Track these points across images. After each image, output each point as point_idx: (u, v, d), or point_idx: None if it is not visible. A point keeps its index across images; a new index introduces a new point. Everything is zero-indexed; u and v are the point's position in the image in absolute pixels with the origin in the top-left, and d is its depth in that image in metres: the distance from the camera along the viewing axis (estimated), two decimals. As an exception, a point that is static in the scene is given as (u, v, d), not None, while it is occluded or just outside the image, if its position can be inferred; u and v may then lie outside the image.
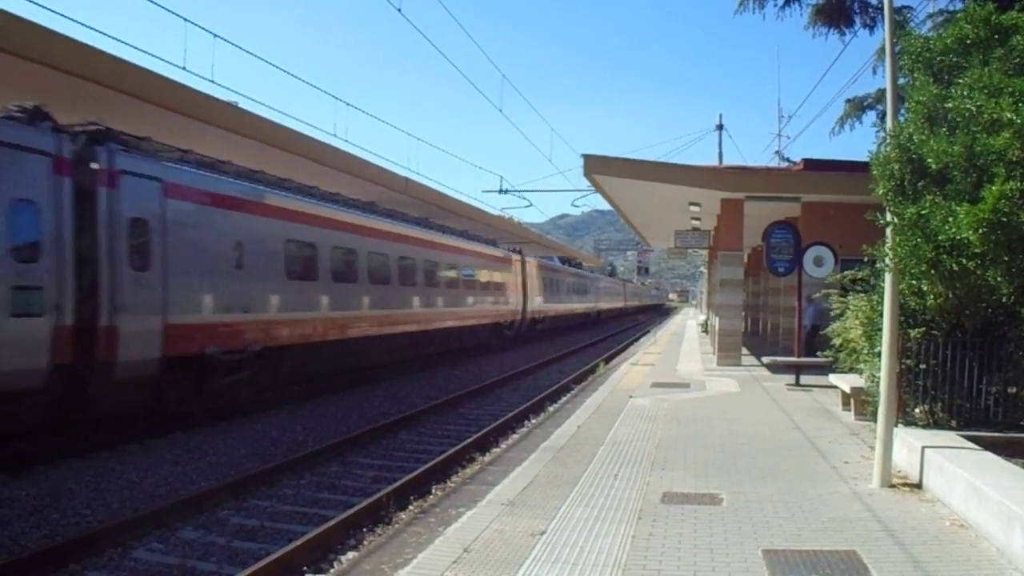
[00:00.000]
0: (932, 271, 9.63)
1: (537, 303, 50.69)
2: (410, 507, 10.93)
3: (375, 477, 13.24)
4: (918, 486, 9.31)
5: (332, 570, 8.51)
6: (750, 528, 7.74)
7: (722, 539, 7.38)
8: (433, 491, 11.82)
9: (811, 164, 24.41)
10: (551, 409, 18.88)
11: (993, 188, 8.83)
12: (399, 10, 21.88)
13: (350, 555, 8.98)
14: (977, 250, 9.09)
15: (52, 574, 8.79)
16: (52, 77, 18.95)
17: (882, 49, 11.14)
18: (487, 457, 13.66)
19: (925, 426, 10.51)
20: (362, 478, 13.26)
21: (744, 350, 27.00)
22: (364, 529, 10.19)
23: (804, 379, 19.75)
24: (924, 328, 10.63)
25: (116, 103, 21.00)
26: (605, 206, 40.67)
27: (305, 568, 8.80)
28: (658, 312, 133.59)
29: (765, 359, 22.96)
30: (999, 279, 9.44)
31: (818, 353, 17.15)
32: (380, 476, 13.26)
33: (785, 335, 26.79)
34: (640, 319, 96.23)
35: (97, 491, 11.92)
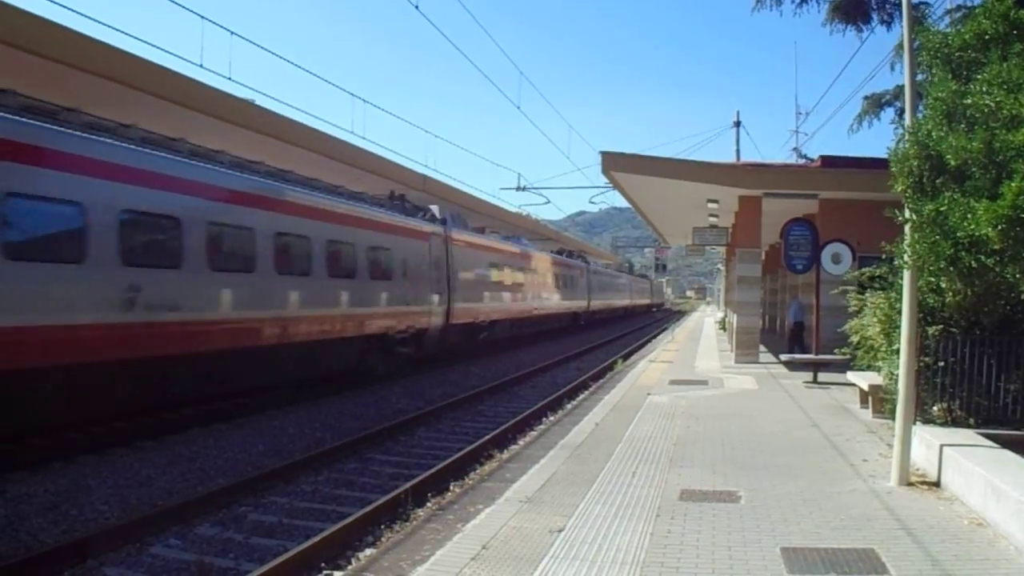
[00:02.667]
0: (951, 268, 9.60)
1: (472, 302, 33.71)
2: (428, 504, 10.91)
3: (393, 474, 13.22)
4: (936, 484, 9.31)
5: (350, 567, 8.49)
6: (768, 526, 7.76)
7: (740, 537, 7.40)
8: (451, 488, 11.80)
9: (829, 161, 24.39)
10: (569, 406, 18.86)
11: (1012, 184, 8.80)
12: (416, 7, 21.91)
13: (368, 552, 8.97)
14: (996, 247, 9.07)
15: (70, 569, 8.81)
16: (69, 76, 19.11)
17: (900, 45, 11.14)
18: (505, 454, 13.64)
19: (943, 424, 10.50)
20: (380, 475, 13.25)
21: (762, 347, 26.97)
22: (382, 526, 10.17)
23: (822, 376, 19.73)
24: (942, 325, 10.63)
25: (135, 101, 21.15)
26: (623, 203, 40.49)
27: (323, 564, 8.80)
28: (646, 316, 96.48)
29: (783, 356, 22.97)
30: (1018, 276, 9.41)
31: (835, 351, 17.07)
32: (398, 473, 13.24)
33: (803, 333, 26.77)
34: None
35: (115, 487, 11.92)
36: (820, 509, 8.36)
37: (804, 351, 25.24)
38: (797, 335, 26.69)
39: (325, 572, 8.60)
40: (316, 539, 9.26)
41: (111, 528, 9.86)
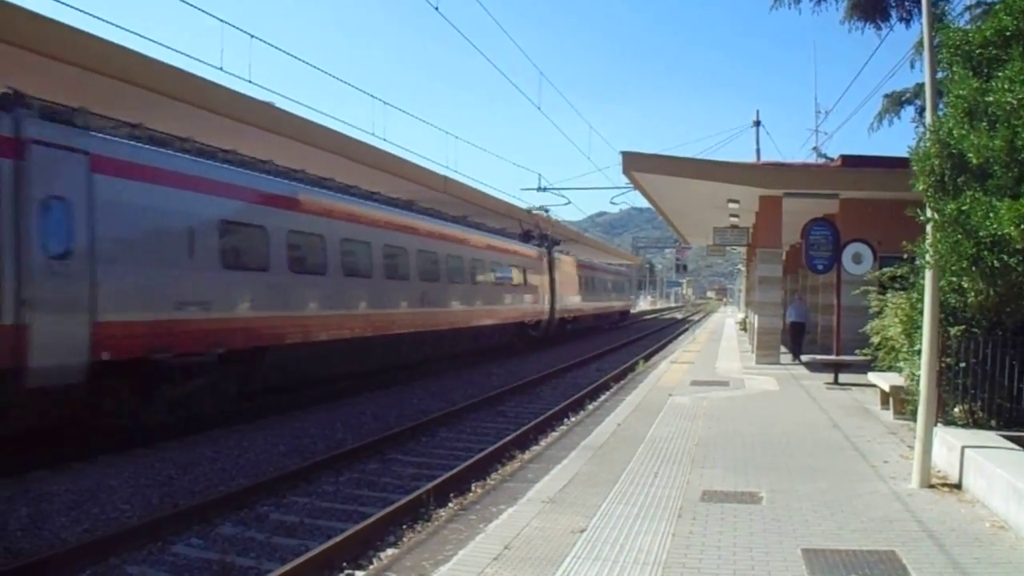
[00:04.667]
0: (973, 268, 9.55)
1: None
2: (450, 504, 10.99)
3: (414, 474, 13.24)
4: (958, 486, 9.27)
5: (372, 567, 8.55)
6: (789, 527, 7.77)
7: (762, 538, 7.41)
8: (473, 488, 11.84)
9: (849, 160, 24.31)
10: (591, 407, 18.91)
11: (1035, 183, 8.76)
12: (436, 8, 21.96)
13: (390, 552, 9.02)
14: (1018, 246, 9.02)
15: (92, 567, 8.87)
16: (91, 80, 19.22)
17: (920, 43, 11.07)
18: (527, 455, 13.68)
19: (965, 426, 10.44)
20: (401, 475, 13.28)
21: (782, 348, 26.90)
22: (404, 526, 10.21)
23: (843, 377, 19.68)
24: (964, 326, 10.56)
25: (156, 105, 21.25)
26: (643, 204, 40.81)
27: (345, 564, 8.85)
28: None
29: (804, 357, 22.92)
30: (1041, 276, 9.36)
31: (856, 351, 17.03)
32: (420, 473, 13.27)
33: (824, 333, 26.66)
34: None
35: (136, 487, 12.01)
36: (841, 511, 8.35)
37: (800, 351, 25.28)
38: (796, 336, 26.56)
39: (347, 572, 8.67)
40: (338, 539, 9.28)
41: (133, 527, 9.94)
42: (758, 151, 42.00)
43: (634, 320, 79.22)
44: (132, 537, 9.65)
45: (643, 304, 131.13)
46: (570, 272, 48.61)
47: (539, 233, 45.57)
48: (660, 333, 56.49)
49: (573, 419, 17.66)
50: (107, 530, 9.95)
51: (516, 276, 38.03)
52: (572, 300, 48.59)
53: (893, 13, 22.98)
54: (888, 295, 13.89)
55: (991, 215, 9.08)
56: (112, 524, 10.31)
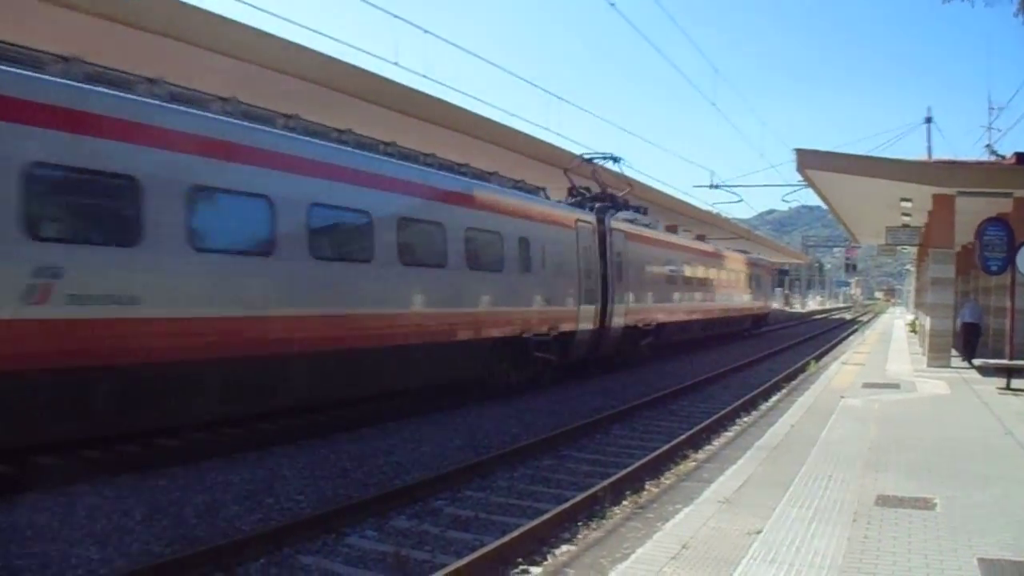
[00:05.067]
0: None
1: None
2: (624, 503, 11.20)
3: (589, 472, 13.32)
4: None
5: (547, 563, 8.83)
6: (964, 535, 7.79)
7: (936, 545, 7.47)
8: (647, 487, 12.07)
9: (1024, 158, 23.67)
10: (763, 407, 19.08)
11: None
12: (612, 4, 22.21)
13: (564, 548, 9.29)
14: None
15: (267, 556, 9.06)
16: (285, 82, 20.43)
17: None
18: (702, 454, 13.94)
19: None
20: (575, 472, 13.38)
21: (953, 351, 26.38)
22: (579, 523, 10.33)
23: (1016, 383, 19.24)
24: None
25: (341, 104, 22.32)
26: (814, 202, 40.44)
27: (520, 560, 8.92)
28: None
29: (976, 361, 22.52)
30: None
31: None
32: (594, 471, 13.33)
33: (995, 336, 26.07)
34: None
35: (310, 478, 12.23)
36: (1016, 520, 8.31)
37: (973, 354, 24.73)
38: (970, 337, 25.96)
39: (522, 568, 8.79)
40: (514, 534, 9.30)
41: (307, 518, 10.14)
42: (929, 148, 40.88)
43: (800, 320, 76.53)
44: (306, 528, 9.84)
45: (812, 304, 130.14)
46: (646, 255, 30.87)
47: (597, 192, 29.55)
48: (829, 334, 55.46)
49: (746, 419, 17.91)
50: (281, 520, 10.17)
51: (489, 247, 20.25)
52: (651, 298, 31.11)
53: (1070, 5, 22.32)
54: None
55: None
56: (286, 514, 10.51)
